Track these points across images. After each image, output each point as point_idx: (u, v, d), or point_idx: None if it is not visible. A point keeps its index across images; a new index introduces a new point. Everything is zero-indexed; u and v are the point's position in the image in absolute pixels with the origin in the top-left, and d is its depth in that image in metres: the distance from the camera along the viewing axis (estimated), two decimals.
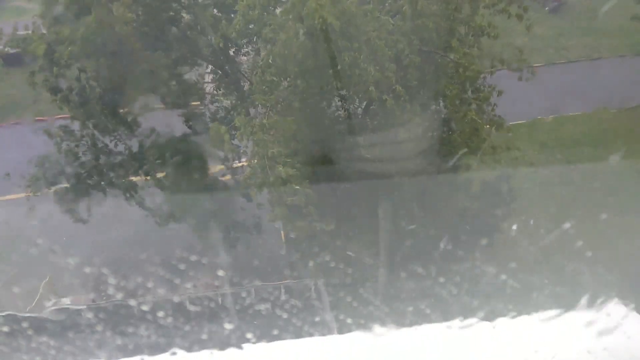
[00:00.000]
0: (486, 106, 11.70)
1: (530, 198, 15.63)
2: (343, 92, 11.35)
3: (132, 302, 12.84)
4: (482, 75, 11.60)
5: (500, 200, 13.01)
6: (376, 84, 10.33)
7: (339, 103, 12.18)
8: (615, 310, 2.46)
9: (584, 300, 2.52)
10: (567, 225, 12.40)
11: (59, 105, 12.15)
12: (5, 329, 12.00)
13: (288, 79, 10.86)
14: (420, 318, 10.03)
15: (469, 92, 11.58)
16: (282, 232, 14.77)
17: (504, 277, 11.24)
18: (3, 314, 12.47)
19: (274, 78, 10.58)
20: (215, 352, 2.39)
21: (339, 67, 10.27)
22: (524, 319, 2.72)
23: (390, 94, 10.63)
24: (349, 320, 9.91)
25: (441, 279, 11.22)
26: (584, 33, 23.53)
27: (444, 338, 2.51)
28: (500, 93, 11.59)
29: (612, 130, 18.97)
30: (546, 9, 24.95)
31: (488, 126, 11.78)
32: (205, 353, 2.40)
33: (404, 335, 2.52)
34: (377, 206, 12.69)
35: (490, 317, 2.63)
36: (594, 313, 2.48)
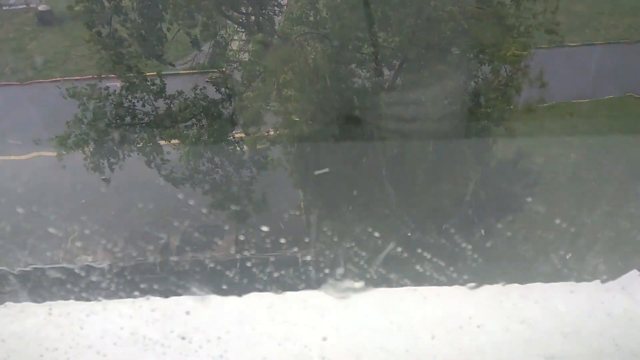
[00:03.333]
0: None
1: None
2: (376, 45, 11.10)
3: (152, 260, 13.19)
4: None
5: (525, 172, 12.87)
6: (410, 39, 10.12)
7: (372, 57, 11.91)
8: (634, 280, 2.40)
9: (603, 270, 2.47)
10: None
11: (90, 40, 11.99)
12: (31, 282, 12.40)
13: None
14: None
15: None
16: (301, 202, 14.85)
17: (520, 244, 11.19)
18: (28, 268, 12.87)
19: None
20: (229, 297, 2.41)
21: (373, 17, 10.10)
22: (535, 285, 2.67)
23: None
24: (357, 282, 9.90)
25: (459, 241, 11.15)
26: (626, 13, 22.64)
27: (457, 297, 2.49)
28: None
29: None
30: None
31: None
32: (215, 297, 2.42)
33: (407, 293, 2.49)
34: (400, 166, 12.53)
35: (500, 280, 2.58)
36: (612, 282, 2.42)
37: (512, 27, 10.72)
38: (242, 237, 14.63)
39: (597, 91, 19.22)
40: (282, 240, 13.67)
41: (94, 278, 12.68)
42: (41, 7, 23.13)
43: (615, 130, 17.84)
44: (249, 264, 12.96)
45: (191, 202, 13.83)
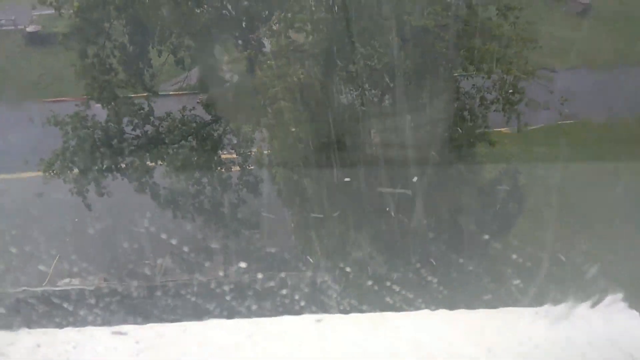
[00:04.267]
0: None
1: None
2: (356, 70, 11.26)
3: (139, 284, 13.05)
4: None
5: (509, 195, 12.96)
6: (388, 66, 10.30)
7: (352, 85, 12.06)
8: (612, 305, 2.44)
9: (582, 295, 2.50)
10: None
11: (80, 72, 12.05)
12: (19, 305, 12.24)
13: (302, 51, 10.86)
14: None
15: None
16: (291, 223, 14.83)
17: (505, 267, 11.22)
18: (19, 290, 12.72)
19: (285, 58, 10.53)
20: (221, 321, 2.42)
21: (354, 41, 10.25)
22: (520, 309, 2.70)
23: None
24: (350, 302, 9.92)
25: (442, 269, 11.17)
26: (612, 38, 23.20)
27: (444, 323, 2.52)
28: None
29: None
30: (572, 11, 24.71)
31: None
32: (213, 322, 2.43)
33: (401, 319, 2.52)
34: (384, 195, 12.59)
35: (488, 305, 2.61)
36: (591, 308, 2.46)
37: (499, 37, 10.95)
38: (228, 260, 14.55)
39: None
40: (269, 264, 13.62)
41: (79, 302, 12.58)
42: (29, 29, 23.19)
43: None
44: (234, 288, 12.87)
45: (179, 224, 13.79)
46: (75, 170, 12.15)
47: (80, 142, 12.06)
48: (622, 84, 21.15)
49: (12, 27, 23.94)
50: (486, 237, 11.92)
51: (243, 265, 13.60)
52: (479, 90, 12.03)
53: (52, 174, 11.91)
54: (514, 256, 11.04)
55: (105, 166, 12.31)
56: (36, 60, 22.23)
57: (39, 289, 13.29)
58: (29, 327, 2.49)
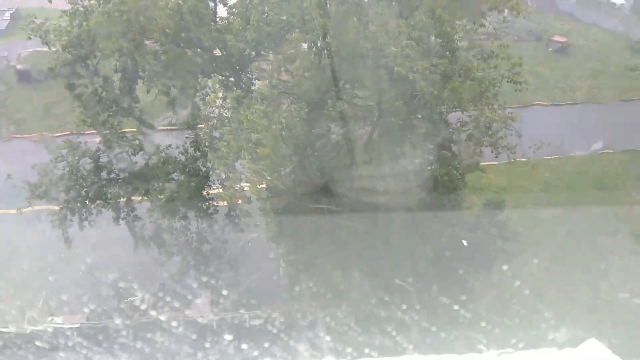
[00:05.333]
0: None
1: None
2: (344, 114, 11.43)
3: (125, 323, 12.73)
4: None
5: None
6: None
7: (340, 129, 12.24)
8: (591, 348, 2.44)
9: (563, 338, 2.51)
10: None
11: (73, 99, 12.17)
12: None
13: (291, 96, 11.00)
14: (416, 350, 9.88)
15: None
16: (280, 261, 14.71)
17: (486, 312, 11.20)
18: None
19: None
20: None
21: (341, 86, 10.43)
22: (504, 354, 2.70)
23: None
24: (344, 348, 9.79)
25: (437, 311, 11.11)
26: (588, 75, 23.85)
27: None
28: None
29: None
30: (550, 49, 25.36)
31: None
32: None
33: None
34: (374, 238, 12.66)
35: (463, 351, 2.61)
36: (571, 351, 2.46)
37: (481, 79, 11.18)
38: (216, 297, 14.31)
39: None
40: (256, 301, 13.45)
41: (62, 340, 12.26)
42: (20, 66, 23.39)
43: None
44: (222, 326, 12.63)
45: (164, 260, 13.64)
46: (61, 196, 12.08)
47: (70, 167, 12.13)
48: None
49: (5, 63, 24.17)
50: None
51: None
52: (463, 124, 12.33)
53: (36, 196, 11.76)
54: None
55: (90, 194, 12.16)
56: (27, 97, 22.35)
57: None
58: None
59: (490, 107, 11.25)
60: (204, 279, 13.52)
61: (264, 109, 10.19)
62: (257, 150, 9.79)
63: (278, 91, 10.95)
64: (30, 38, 11.95)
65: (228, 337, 12.05)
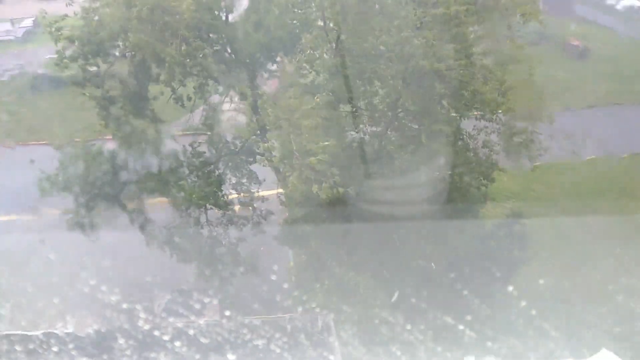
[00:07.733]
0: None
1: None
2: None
3: (136, 329, 12.67)
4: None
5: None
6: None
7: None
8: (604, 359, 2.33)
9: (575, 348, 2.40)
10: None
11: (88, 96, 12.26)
12: (17, 347, 11.95)
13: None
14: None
15: None
16: (291, 261, 14.65)
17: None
18: (16, 332, 12.46)
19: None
20: None
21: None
22: None
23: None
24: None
25: (449, 320, 10.91)
26: (607, 79, 23.44)
27: None
28: None
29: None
30: (567, 53, 25.08)
31: None
32: None
33: None
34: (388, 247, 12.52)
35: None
36: None
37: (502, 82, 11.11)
38: (228, 301, 14.24)
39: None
40: (268, 305, 13.35)
41: (71, 346, 12.22)
42: (39, 71, 23.82)
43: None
44: (233, 330, 12.50)
45: (178, 264, 13.62)
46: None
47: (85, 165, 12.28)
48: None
49: (18, 71, 24.75)
50: None
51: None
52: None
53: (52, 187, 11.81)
54: None
55: (105, 196, 12.27)
56: (42, 104, 22.68)
57: None
58: None
59: (512, 112, 11.19)
60: (217, 283, 13.51)
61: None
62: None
63: (302, 91, 10.97)
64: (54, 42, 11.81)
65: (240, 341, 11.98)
